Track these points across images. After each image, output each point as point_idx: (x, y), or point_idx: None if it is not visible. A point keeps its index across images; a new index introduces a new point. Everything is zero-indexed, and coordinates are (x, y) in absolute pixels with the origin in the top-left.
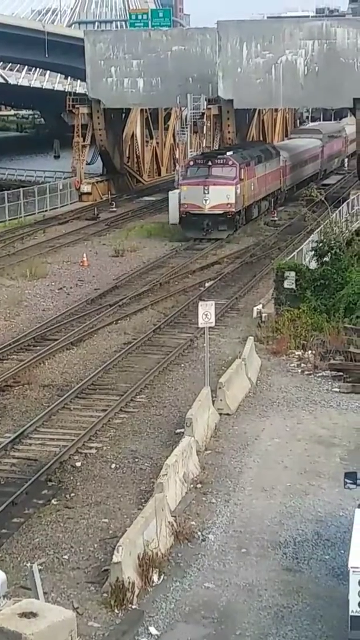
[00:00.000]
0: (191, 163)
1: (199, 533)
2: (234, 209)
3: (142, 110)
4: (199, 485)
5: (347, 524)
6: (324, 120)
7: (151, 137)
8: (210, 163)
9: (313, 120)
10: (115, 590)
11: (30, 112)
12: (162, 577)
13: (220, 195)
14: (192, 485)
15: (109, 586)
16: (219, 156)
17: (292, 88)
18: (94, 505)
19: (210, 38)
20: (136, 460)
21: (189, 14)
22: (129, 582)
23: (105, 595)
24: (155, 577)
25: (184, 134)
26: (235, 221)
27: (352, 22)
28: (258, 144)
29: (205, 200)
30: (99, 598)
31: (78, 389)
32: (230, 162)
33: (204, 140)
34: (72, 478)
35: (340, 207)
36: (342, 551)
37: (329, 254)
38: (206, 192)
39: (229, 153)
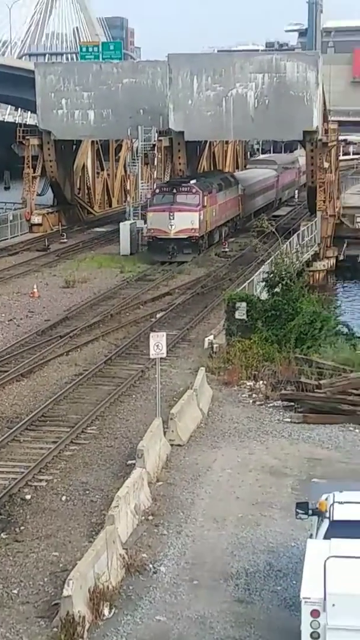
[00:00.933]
0: (157, 191)
1: (151, 565)
2: (197, 234)
3: (93, 141)
4: (150, 517)
5: (298, 555)
6: (274, 152)
7: (102, 169)
8: (175, 191)
9: (263, 152)
10: (65, 625)
11: None
12: (113, 610)
13: (184, 221)
14: (143, 517)
15: (59, 620)
16: (183, 184)
17: (243, 121)
18: (44, 539)
19: (161, 71)
20: (87, 492)
21: (140, 47)
22: (80, 616)
23: (55, 630)
24: (106, 611)
25: (135, 165)
26: (199, 245)
27: (301, 56)
28: (218, 173)
29: (171, 225)
30: (49, 633)
31: (28, 421)
32: (194, 190)
33: (155, 172)
34: (21, 511)
35: (291, 239)
36: (294, 582)
37: (280, 284)
38: (172, 217)
39: (192, 181)
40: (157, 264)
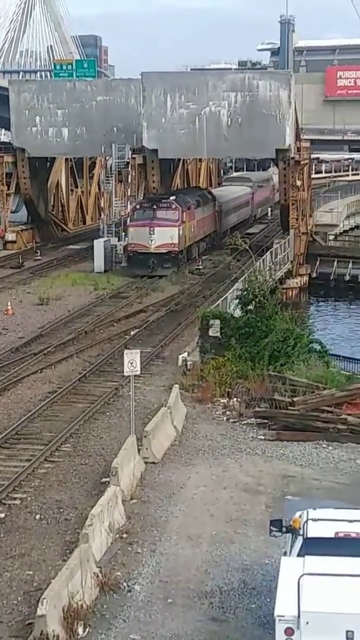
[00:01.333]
0: (137, 207)
1: (125, 584)
2: (177, 248)
3: (67, 159)
4: (124, 535)
5: (273, 572)
6: (247, 169)
7: (76, 186)
8: (155, 206)
9: (237, 169)
10: None
11: None
12: (87, 629)
13: (164, 236)
14: (117, 535)
15: None
16: (163, 200)
17: (216, 139)
18: (18, 557)
19: (135, 89)
20: (61, 510)
21: (114, 65)
22: (54, 636)
23: None
24: (80, 630)
25: (109, 183)
26: (178, 259)
27: (274, 74)
28: (196, 190)
29: (151, 240)
30: None
31: (2, 439)
32: (173, 206)
33: (129, 189)
34: None
35: (264, 256)
36: (268, 600)
37: (253, 302)
38: (152, 233)
39: (172, 197)
40: (130, 282)
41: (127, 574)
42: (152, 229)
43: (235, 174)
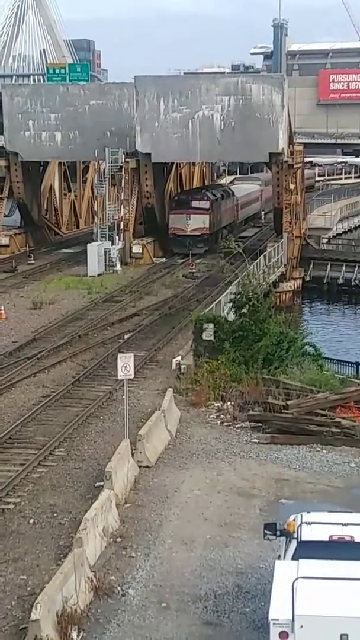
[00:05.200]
0: (176, 198)
1: (119, 588)
2: (208, 232)
3: (60, 163)
4: (118, 539)
5: (267, 576)
6: (240, 173)
7: (69, 190)
8: (190, 198)
9: (230, 173)
10: None
11: None
12: (81, 633)
13: (198, 221)
14: (111, 540)
15: None
16: (196, 193)
17: (209, 142)
18: (12, 562)
19: (128, 93)
20: (55, 514)
21: (107, 69)
22: None
23: None
24: (74, 634)
25: (102, 187)
26: (209, 240)
27: (267, 78)
28: (219, 186)
29: (188, 224)
30: None
31: None
32: (205, 198)
33: (122, 193)
34: None
35: (258, 260)
36: (263, 603)
37: (247, 305)
38: (188, 219)
39: (203, 191)
40: (124, 286)
41: (121, 578)
42: (188, 215)
43: (245, 175)
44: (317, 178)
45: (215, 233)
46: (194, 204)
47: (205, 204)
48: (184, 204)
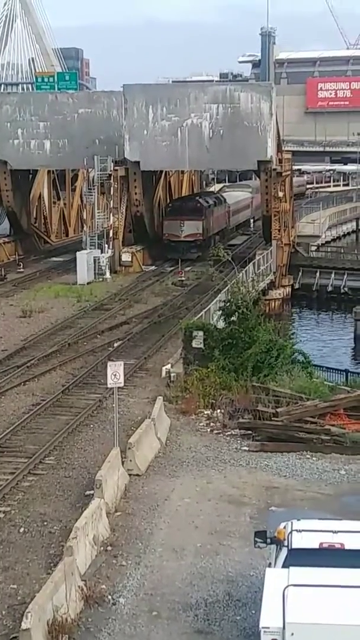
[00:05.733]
0: (170, 205)
1: (110, 597)
2: (201, 237)
3: (49, 171)
4: (109, 548)
5: (257, 584)
6: (229, 181)
7: (58, 198)
8: (184, 205)
9: (219, 181)
10: None
11: None
12: None
13: (192, 228)
14: (102, 548)
15: None
16: (190, 200)
17: (198, 151)
18: (2, 571)
19: (117, 101)
20: (45, 523)
21: (95, 77)
22: None
23: None
24: None
25: (92, 195)
26: (202, 246)
27: (255, 86)
28: (212, 193)
29: (182, 230)
30: None
31: None
32: (198, 205)
33: (111, 202)
34: None
35: (247, 267)
36: (254, 611)
37: (236, 313)
38: (182, 225)
39: (196, 198)
40: (113, 295)
41: (111, 586)
42: (182, 222)
43: (236, 183)
44: (307, 186)
45: (208, 239)
46: (188, 210)
47: (198, 211)
48: (178, 211)
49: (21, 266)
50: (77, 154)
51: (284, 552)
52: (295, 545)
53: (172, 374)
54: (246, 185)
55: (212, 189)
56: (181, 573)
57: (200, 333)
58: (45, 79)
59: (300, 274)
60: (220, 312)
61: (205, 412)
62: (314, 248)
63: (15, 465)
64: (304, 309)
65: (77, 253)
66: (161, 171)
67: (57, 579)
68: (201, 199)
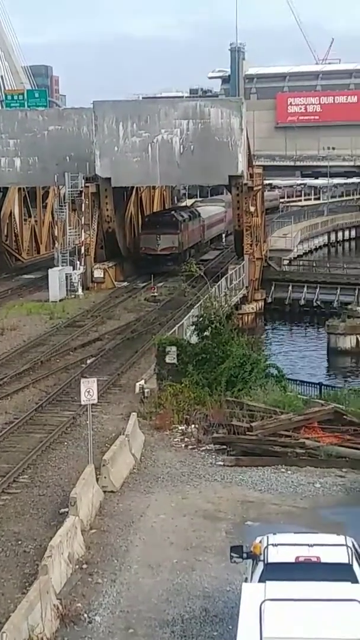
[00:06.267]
0: (147, 219)
1: (85, 615)
2: (177, 251)
3: (19, 188)
4: (84, 566)
5: (234, 599)
6: (200, 196)
7: (30, 215)
8: (160, 219)
9: (190, 196)
10: None
11: None
12: None
13: (168, 241)
14: (77, 566)
15: None
16: (166, 215)
17: (169, 166)
18: None
19: (87, 118)
20: (19, 542)
21: (65, 94)
22: None
23: None
24: None
25: (63, 212)
26: (178, 259)
27: (225, 102)
28: (187, 208)
29: (158, 244)
30: None
31: None
32: (174, 219)
33: (83, 218)
34: None
35: (219, 282)
36: (230, 627)
37: (210, 328)
38: (158, 239)
39: (172, 212)
40: (85, 311)
41: (87, 604)
42: (158, 236)
43: (210, 197)
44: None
45: (184, 252)
46: (164, 224)
47: (174, 225)
48: (154, 225)
49: None
50: (47, 171)
51: (260, 567)
52: (271, 560)
53: (145, 390)
54: (219, 199)
55: (183, 204)
56: (157, 589)
57: (174, 348)
58: (15, 97)
59: (272, 288)
60: (194, 327)
61: (180, 428)
62: (286, 262)
63: None
64: (277, 322)
65: (49, 270)
66: (132, 187)
67: (32, 598)
68: (177, 213)
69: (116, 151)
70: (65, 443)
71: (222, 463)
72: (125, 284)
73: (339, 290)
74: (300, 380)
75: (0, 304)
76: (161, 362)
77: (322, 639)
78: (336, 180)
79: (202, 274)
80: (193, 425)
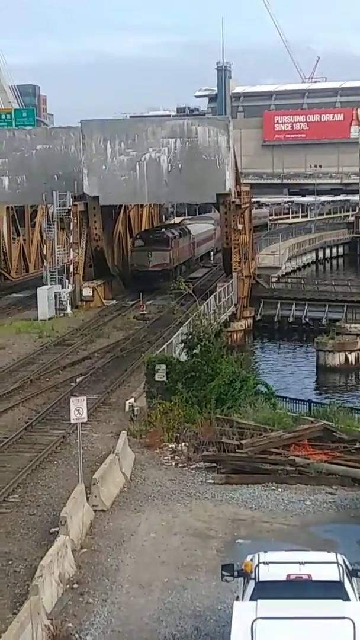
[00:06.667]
0: (138, 236)
1: (77, 635)
2: (169, 267)
3: (8, 207)
4: (75, 585)
5: (226, 618)
6: (188, 214)
7: (18, 234)
8: (151, 236)
9: (178, 215)
10: None
11: None
12: None
13: (159, 258)
14: (68, 586)
15: None
16: (157, 232)
17: (157, 184)
18: None
19: (75, 137)
20: (10, 562)
21: (52, 113)
22: None
23: None
24: None
25: (51, 230)
26: (169, 276)
27: (212, 120)
28: (177, 225)
29: (150, 261)
30: None
31: None
32: (164, 236)
33: (71, 237)
34: None
35: (208, 300)
36: None
37: (199, 346)
38: (150, 255)
39: (163, 230)
40: (75, 330)
41: (78, 624)
42: (150, 252)
43: (200, 215)
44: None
45: (175, 269)
46: (155, 241)
47: (165, 242)
48: (145, 242)
49: None
50: (35, 190)
51: (251, 585)
52: (262, 578)
53: (135, 408)
54: (209, 217)
55: (172, 222)
56: (149, 609)
57: (163, 366)
58: (3, 116)
59: (261, 305)
60: (183, 345)
61: (170, 446)
62: (274, 279)
63: None
64: (266, 340)
65: (38, 289)
66: (121, 205)
67: (23, 619)
68: (167, 230)
69: (104, 170)
70: (55, 462)
71: (212, 481)
72: (114, 302)
73: (327, 307)
74: (289, 398)
75: None
76: (151, 380)
77: None
78: (323, 198)
79: (190, 291)
80: (183, 443)
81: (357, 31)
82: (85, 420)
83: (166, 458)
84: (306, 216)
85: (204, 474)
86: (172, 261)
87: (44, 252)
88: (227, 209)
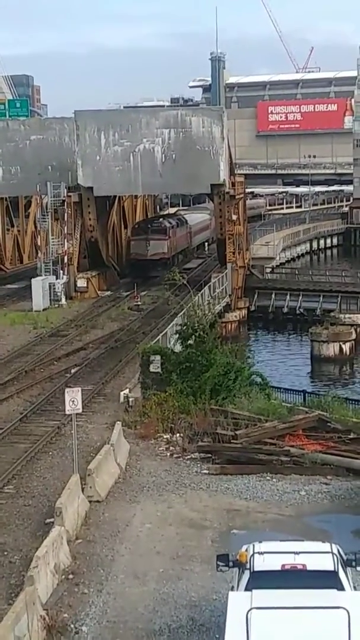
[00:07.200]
0: (136, 226)
1: (72, 625)
2: (167, 256)
3: (2, 198)
4: (70, 576)
5: (221, 608)
6: (183, 205)
7: (12, 225)
8: (150, 226)
9: (172, 205)
10: None
11: None
12: None
13: (157, 247)
14: (63, 576)
15: None
16: (155, 221)
17: (151, 175)
18: None
19: (68, 127)
20: (5, 553)
21: (46, 104)
22: None
23: None
24: None
25: (45, 221)
26: (167, 264)
27: (206, 111)
28: (174, 215)
29: (148, 250)
30: None
31: None
32: (162, 225)
33: (66, 227)
34: None
35: (202, 290)
36: (217, 635)
37: (193, 336)
38: (148, 245)
39: (160, 219)
40: (69, 321)
41: (74, 615)
42: (148, 242)
43: (196, 205)
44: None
45: (172, 257)
46: (153, 230)
47: (163, 231)
48: (143, 231)
49: None
50: (30, 180)
51: (246, 575)
52: (257, 568)
53: (130, 399)
54: (204, 207)
55: (166, 212)
56: (144, 599)
57: (158, 357)
58: None
59: (255, 296)
60: (177, 335)
61: (165, 437)
62: (269, 270)
63: None
64: (261, 330)
65: (32, 280)
66: (115, 196)
67: (18, 609)
68: (165, 220)
69: (98, 160)
70: (50, 453)
71: (207, 471)
72: (108, 293)
73: (321, 298)
74: (284, 388)
75: None
76: (145, 371)
77: None
78: (317, 188)
79: (185, 282)
80: (178, 434)
81: (351, 21)
82: (80, 411)
83: (161, 449)
84: (300, 206)
85: (198, 465)
86: (170, 250)
87: (38, 242)
88: (221, 199)
